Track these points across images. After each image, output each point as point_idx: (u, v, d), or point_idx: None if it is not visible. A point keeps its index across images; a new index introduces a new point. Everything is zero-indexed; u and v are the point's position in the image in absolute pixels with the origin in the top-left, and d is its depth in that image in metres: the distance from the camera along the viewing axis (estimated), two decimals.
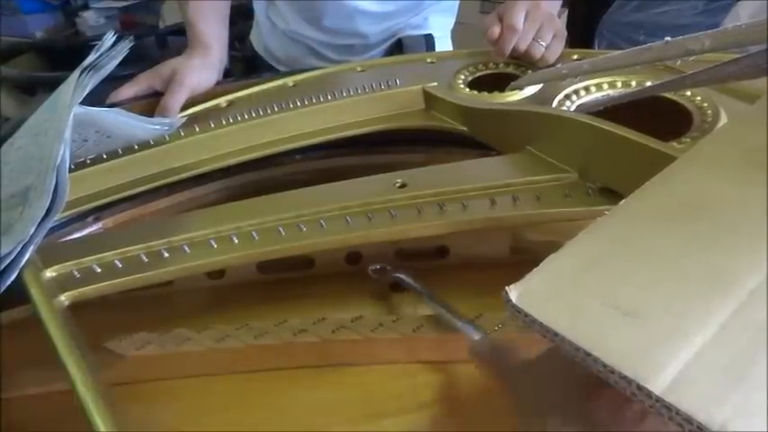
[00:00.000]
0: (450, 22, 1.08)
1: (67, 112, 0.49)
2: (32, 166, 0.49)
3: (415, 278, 0.54)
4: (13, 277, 0.44)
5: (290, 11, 1.01)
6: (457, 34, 1.10)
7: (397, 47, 1.00)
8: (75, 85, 0.52)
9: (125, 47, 0.59)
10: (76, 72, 0.54)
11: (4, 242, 0.44)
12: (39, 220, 0.44)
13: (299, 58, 1.04)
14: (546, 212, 0.49)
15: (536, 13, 0.74)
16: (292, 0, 1.00)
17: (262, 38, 1.08)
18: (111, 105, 0.74)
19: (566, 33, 0.76)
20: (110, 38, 0.58)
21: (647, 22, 1.89)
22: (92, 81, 0.53)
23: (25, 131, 0.55)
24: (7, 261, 0.43)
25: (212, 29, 0.84)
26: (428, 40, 1.00)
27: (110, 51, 0.57)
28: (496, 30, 0.74)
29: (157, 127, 0.63)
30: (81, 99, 0.52)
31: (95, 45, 0.58)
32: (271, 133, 0.69)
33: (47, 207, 0.45)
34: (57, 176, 0.46)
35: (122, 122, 0.58)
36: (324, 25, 0.99)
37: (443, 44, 1.05)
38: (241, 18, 1.69)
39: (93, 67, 0.54)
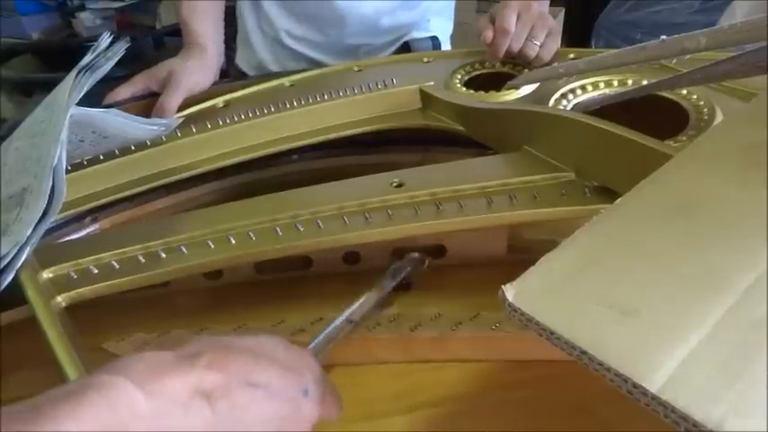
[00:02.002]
0: (449, 26, 1.08)
1: (64, 113, 0.49)
2: (29, 167, 0.49)
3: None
4: (9, 279, 0.44)
5: (286, 18, 0.99)
6: (454, 35, 1.10)
7: (404, 51, 0.98)
8: (72, 86, 0.52)
9: (122, 47, 0.59)
10: (73, 73, 0.54)
11: (2, 243, 0.44)
12: (35, 221, 0.44)
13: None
14: (542, 211, 0.50)
15: (528, 14, 0.74)
16: (287, 0, 0.98)
17: (254, 54, 1.05)
18: (108, 106, 0.74)
19: (560, 31, 0.76)
20: (106, 38, 0.58)
21: (644, 20, 1.90)
22: (88, 82, 0.53)
23: (22, 132, 0.55)
24: (4, 263, 0.43)
25: (207, 29, 0.84)
26: (435, 43, 0.99)
27: (106, 52, 0.57)
28: (489, 33, 0.74)
29: (154, 128, 0.63)
30: (78, 100, 0.52)
31: (92, 46, 0.57)
32: (268, 134, 0.69)
33: (43, 209, 0.45)
34: (53, 178, 0.46)
35: (119, 123, 0.58)
36: (321, 18, 0.96)
37: (444, 48, 1.05)
38: (236, 19, 1.69)
39: (89, 67, 0.54)
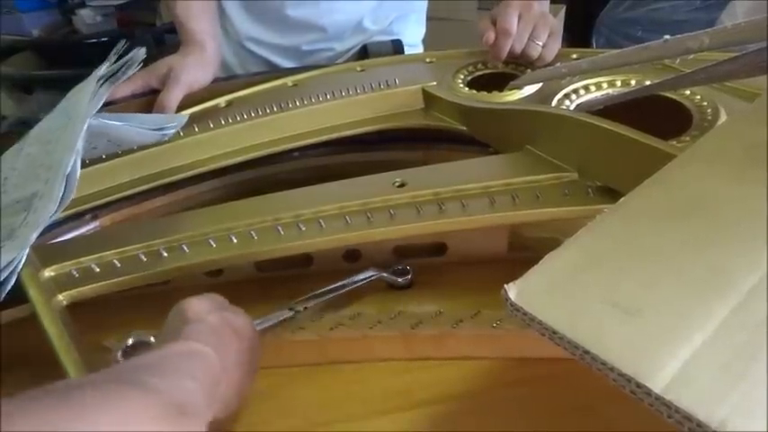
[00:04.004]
0: (419, 30, 1.07)
1: (81, 123, 0.49)
2: (40, 173, 0.49)
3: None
4: (12, 282, 0.44)
5: (247, 20, 0.97)
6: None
7: (363, 55, 0.96)
8: (91, 97, 0.52)
9: (140, 57, 0.59)
10: (92, 81, 0.54)
11: (7, 249, 0.44)
12: (42, 226, 0.44)
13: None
14: (545, 211, 0.50)
15: (529, 14, 0.74)
16: (248, 1, 0.96)
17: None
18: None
19: (561, 30, 0.75)
20: (121, 46, 0.58)
21: (644, 18, 1.90)
22: (107, 92, 0.54)
23: (35, 139, 0.55)
24: (10, 269, 0.43)
25: (205, 26, 0.83)
26: (396, 46, 0.96)
27: (125, 63, 0.57)
28: (491, 35, 0.74)
29: (165, 132, 0.63)
30: (95, 110, 0.52)
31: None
32: (270, 133, 0.69)
33: (52, 213, 0.45)
34: (65, 185, 0.46)
35: (135, 133, 0.58)
36: (285, 21, 0.95)
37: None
38: None
39: (108, 78, 0.54)
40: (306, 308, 0.50)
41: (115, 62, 0.57)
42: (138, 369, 0.32)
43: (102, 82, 0.54)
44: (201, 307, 0.41)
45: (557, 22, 0.76)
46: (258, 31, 0.98)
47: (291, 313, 0.49)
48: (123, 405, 0.28)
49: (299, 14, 0.94)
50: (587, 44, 2.02)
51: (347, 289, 0.52)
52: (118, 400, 0.28)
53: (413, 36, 1.05)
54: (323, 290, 0.51)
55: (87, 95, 0.52)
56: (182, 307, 0.41)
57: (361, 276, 0.53)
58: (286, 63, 0.99)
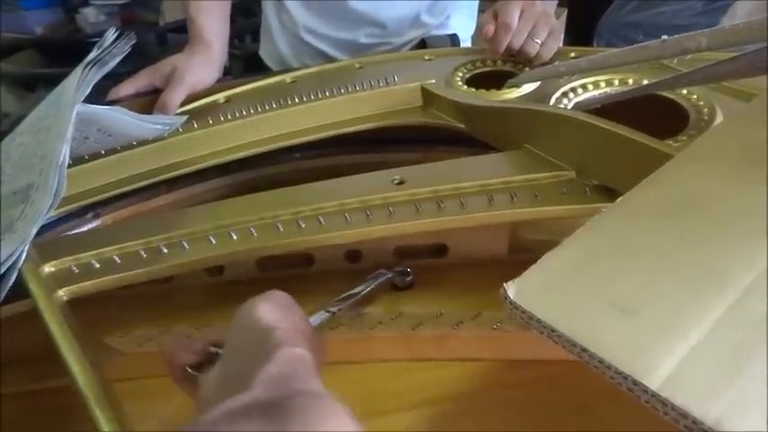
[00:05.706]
0: (471, 24, 1.07)
1: (70, 110, 0.49)
2: (34, 163, 0.49)
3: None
4: (13, 279, 0.44)
5: (306, 14, 0.98)
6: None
7: (421, 48, 0.97)
8: (78, 83, 0.52)
9: (128, 43, 0.59)
10: (79, 69, 0.54)
11: (7, 241, 0.44)
12: (40, 218, 0.44)
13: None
14: (543, 210, 0.50)
15: (531, 11, 0.74)
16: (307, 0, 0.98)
17: (275, 48, 1.05)
18: (111, 102, 0.74)
19: (562, 31, 0.76)
20: (111, 34, 0.58)
21: (646, 22, 1.90)
22: (95, 78, 0.53)
23: (26, 127, 0.55)
24: (10, 262, 0.43)
25: (214, 26, 0.84)
26: (453, 41, 0.97)
27: (112, 47, 0.57)
28: (491, 28, 0.74)
29: (159, 126, 0.63)
30: (83, 96, 0.52)
31: (95, 42, 0.58)
32: (269, 130, 0.69)
33: (48, 206, 0.45)
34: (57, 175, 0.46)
35: (124, 121, 0.58)
36: (345, 14, 0.97)
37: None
38: (241, 16, 1.69)
39: (95, 63, 0.54)
40: (340, 309, 0.50)
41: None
42: (292, 381, 0.32)
43: (90, 67, 0.54)
44: (272, 315, 0.38)
45: (558, 23, 0.76)
46: (316, 23, 0.98)
47: (328, 315, 0.49)
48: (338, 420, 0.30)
49: (360, 7, 0.95)
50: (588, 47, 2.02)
51: (369, 288, 0.53)
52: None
53: (465, 30, 1.05)
54: (351, 292, 0.51)
55: (74, 82, 0.52)
56: (252, 316, 0.38)
57: (377, 276, 0.54)
58: (343, 56, 0.99)
